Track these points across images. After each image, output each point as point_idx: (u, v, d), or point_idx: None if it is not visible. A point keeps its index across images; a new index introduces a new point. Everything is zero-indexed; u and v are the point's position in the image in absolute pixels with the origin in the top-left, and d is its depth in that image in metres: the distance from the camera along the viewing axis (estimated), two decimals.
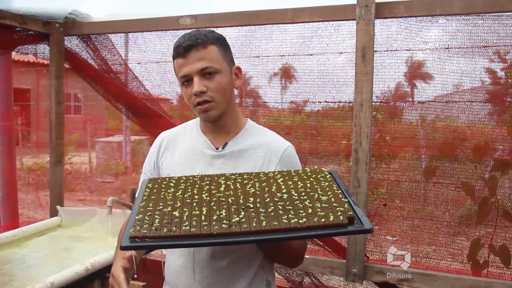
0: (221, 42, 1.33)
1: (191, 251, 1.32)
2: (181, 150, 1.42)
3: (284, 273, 2.66)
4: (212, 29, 1.38)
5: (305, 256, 2.34)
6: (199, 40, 1.27)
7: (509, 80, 2.26)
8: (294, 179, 1.22)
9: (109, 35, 2.83)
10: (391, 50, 2.27)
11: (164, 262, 1.43)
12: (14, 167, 3.51)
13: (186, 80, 1.30)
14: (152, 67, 2.83)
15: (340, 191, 1.15)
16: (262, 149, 1.37)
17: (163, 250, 1.46)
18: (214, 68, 1.28)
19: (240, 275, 1.32)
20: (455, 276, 2.15)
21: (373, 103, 2.22)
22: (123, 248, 1.00)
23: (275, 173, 1.27)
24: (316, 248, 2.48)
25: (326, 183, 1.19)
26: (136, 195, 1.25)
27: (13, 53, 3.25)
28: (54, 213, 2.84)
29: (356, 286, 2.60)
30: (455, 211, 2.32)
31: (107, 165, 8.97)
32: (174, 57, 1.32)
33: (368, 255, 2.33)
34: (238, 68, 1.39)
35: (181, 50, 1.28)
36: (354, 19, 2.18)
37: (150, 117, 2.87)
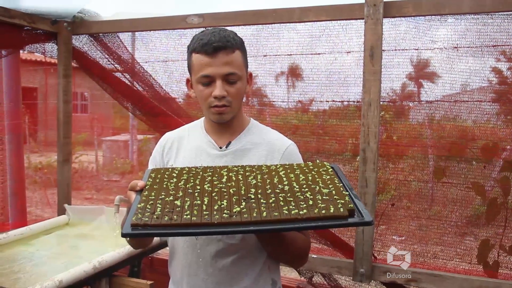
0: (243, 48, 1.35)
1: (195, 249, 1.32)
2: (185, 151, 1.42)
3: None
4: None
5: (313, 255, 2.35)
6: (229, 43, 1.27)
7: None
8: (296, 172, 1.22)
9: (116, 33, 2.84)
10: (399, 50, 2.26)
11: (169, 261, 1.44)
12: (22, 166, 3.54)
13: (207, 80, 1.29)
14: (159, 66, 2.84)
15: (341, 184, 1.15)
16: (264, 148, 1.38)
17: (167, 247, 1.47)
18: (237, 75, 1.29)
19: (245, 273, 1.32)
20: (463, 277, 2.14)
21: (381, 103, 2.20)
22: (124, 235, 1.00)
23: (277, 166, 1.27)
24: (324, 247, 2.48)
25: (328, 176, 1.20)
26: None
27: (22, 52, 3.27)
28: (61, 211, 2.85)
29: (364, 286, 2.59)
30: (463, 211, 2.30)
31: (114, 164, 9.00)
32: (196, 52, 1.29)
33: (375, 255, 2.32)
34: (250, 75, 1.41)
35: (210, 49, 1.26)
36: (362, 18, 2.17)
37: (157, 116, 2.88)
